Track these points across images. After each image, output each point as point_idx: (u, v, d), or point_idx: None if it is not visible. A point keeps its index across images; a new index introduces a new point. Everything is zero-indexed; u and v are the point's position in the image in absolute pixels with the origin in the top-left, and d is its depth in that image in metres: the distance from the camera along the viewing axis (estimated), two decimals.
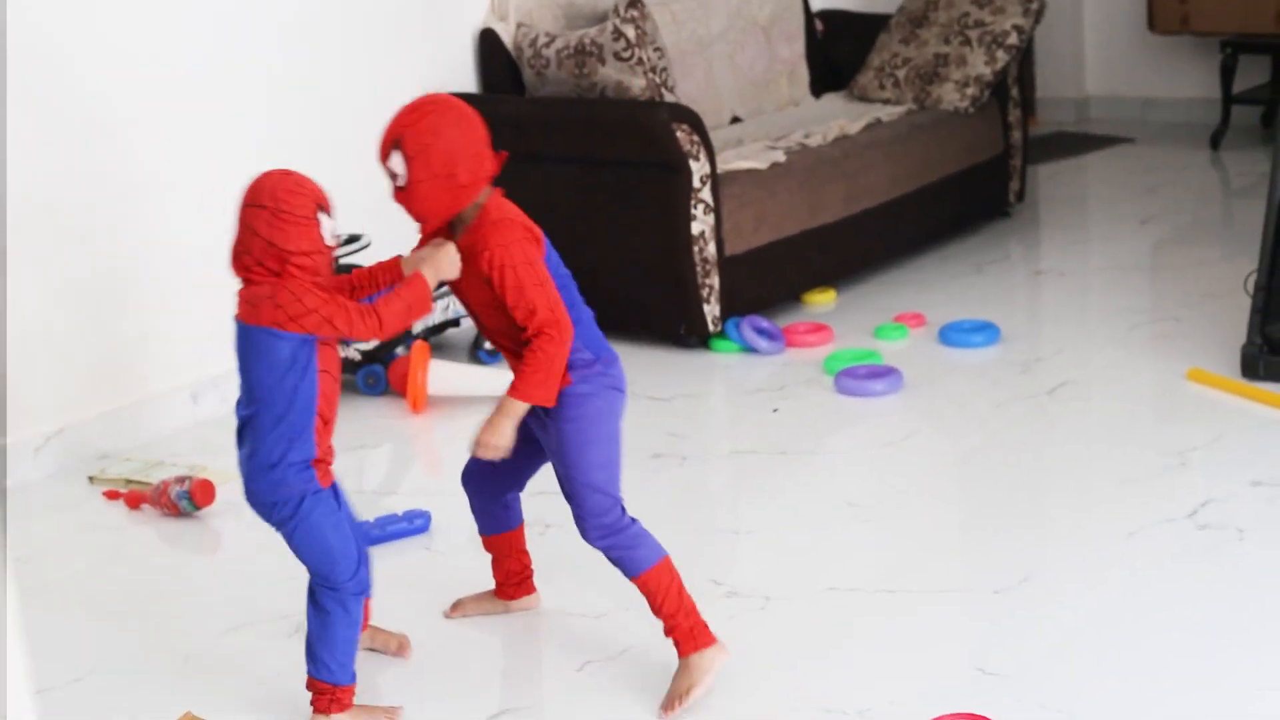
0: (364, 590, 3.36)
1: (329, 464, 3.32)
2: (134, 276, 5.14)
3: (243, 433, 3.29)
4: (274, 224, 3.15)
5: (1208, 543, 3.94)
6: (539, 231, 3.38)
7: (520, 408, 3.31)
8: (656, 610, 3.43)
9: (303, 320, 3.15)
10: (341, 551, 3.31)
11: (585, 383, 3.38)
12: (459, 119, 3.29)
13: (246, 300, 3.22)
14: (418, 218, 3.33)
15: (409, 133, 3.25)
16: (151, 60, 5.13)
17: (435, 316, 5.58)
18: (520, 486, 3.73)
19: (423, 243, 3.45)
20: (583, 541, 3.42)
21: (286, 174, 3.23)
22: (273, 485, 3.24)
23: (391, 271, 3.41)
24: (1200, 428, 4.65)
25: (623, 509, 3.43)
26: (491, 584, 3.89)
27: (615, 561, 3.44)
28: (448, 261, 3.30)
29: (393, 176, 3.29)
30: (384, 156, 3.29)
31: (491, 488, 3.69)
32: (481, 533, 3.78)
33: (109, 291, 5.08)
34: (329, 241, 3.21)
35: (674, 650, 3.45)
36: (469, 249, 3.32)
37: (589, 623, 3.78)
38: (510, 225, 3.31)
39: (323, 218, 3.20)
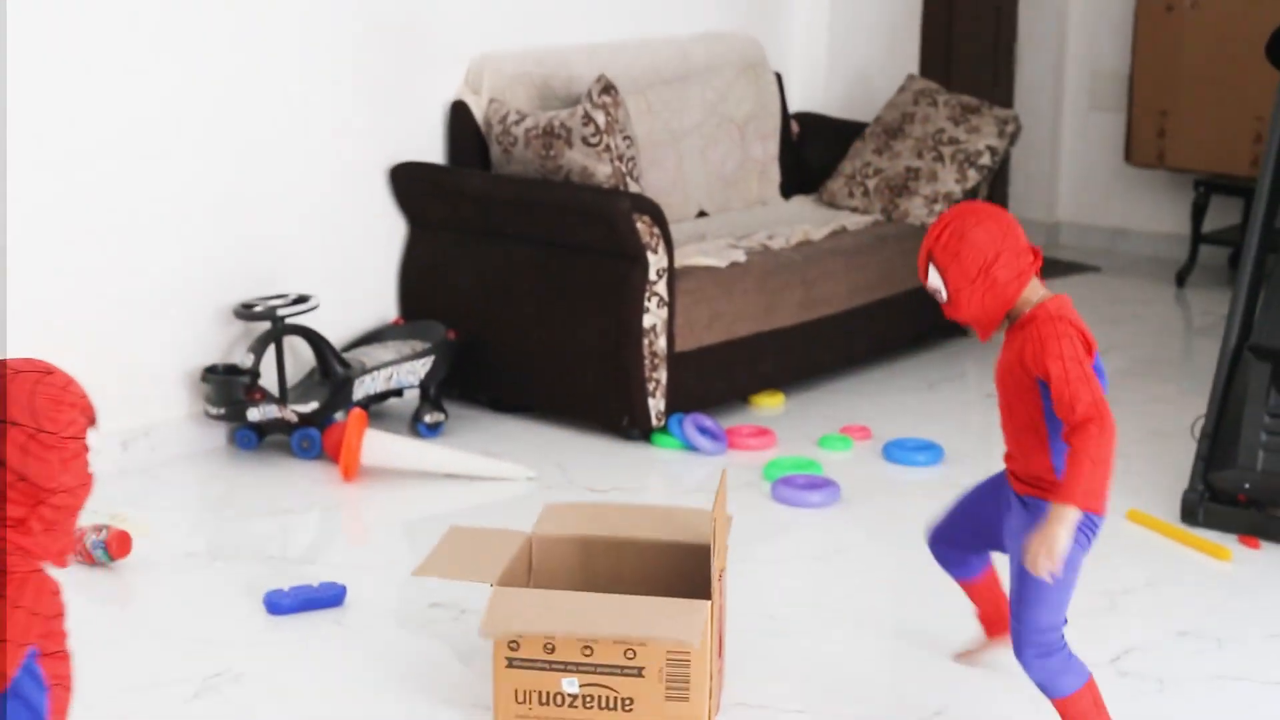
0: None
1: None
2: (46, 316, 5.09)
3: None
4: (30, 450, 2.25)
5: (1127, 691, 3.87)
6: (1092, 339, 3.31)
7: (1073, 514, 3.16)
8: None
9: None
10: None
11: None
12: (982, 219, 3.30)
13: None
14: (973, 324, 3.34)
15: (936, 246, 3.29)
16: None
17: (378, 385, 5.52)
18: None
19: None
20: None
21: (45, 374, 2.27)
22: None
23: None
24: (1133, 571, 4.60)
25: (1062, 634, 3.39)
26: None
27: (1038, 684, 3.41)
28: None
29: (936, 293, 3.31)
30: (923, 276, 3.33)
31: (972, 543, 3.72)
32: (960, 579, 3.85)
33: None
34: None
35: None
36: (1015, 341, 3.33)
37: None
38: (1062, 321, 3.28)
39: (90, 438, 2.31)
